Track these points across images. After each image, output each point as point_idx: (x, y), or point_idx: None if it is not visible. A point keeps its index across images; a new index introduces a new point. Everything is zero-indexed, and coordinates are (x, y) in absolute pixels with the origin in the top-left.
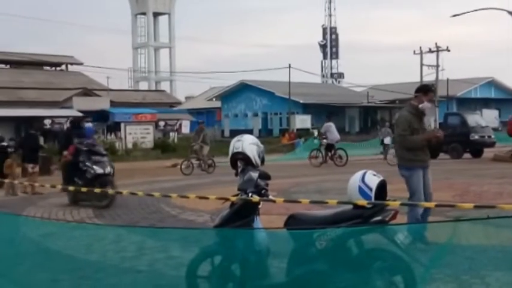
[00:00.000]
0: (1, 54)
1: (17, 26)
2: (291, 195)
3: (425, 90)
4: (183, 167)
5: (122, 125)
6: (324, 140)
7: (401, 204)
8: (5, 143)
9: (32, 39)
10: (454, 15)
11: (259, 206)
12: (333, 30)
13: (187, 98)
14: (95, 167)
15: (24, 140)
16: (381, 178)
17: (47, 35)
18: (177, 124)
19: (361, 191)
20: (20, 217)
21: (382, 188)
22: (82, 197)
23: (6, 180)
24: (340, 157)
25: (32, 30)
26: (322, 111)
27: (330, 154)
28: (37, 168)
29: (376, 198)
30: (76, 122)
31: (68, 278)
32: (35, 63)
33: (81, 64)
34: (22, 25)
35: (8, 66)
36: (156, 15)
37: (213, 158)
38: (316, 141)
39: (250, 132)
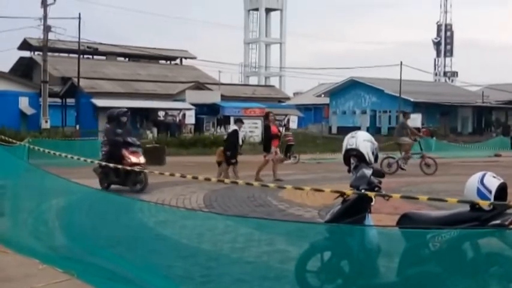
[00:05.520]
0: (121, 48)
1: (136, 20)
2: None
3: None
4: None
5: (232, 119)
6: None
7: None
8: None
9: (150, 34)
10: None
11: (372, 204)
12: (448, 27)
13: (295, 93)
14: None
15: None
16: (502, 181)
17: (163, 29)
18: (285, 119)
19: (479, 192)
20: (137, 202)
21: (502, 191)
22: None
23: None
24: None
25: (149, 25)
26: (434, 110)
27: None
28: (268, 157)
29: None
30: None
31: (181, 265)
32: (152, 57)
33: (194, 58)
34: (141, 20)
35: (127, 59)
36: (268, 11)
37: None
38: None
39: (358, 129)
